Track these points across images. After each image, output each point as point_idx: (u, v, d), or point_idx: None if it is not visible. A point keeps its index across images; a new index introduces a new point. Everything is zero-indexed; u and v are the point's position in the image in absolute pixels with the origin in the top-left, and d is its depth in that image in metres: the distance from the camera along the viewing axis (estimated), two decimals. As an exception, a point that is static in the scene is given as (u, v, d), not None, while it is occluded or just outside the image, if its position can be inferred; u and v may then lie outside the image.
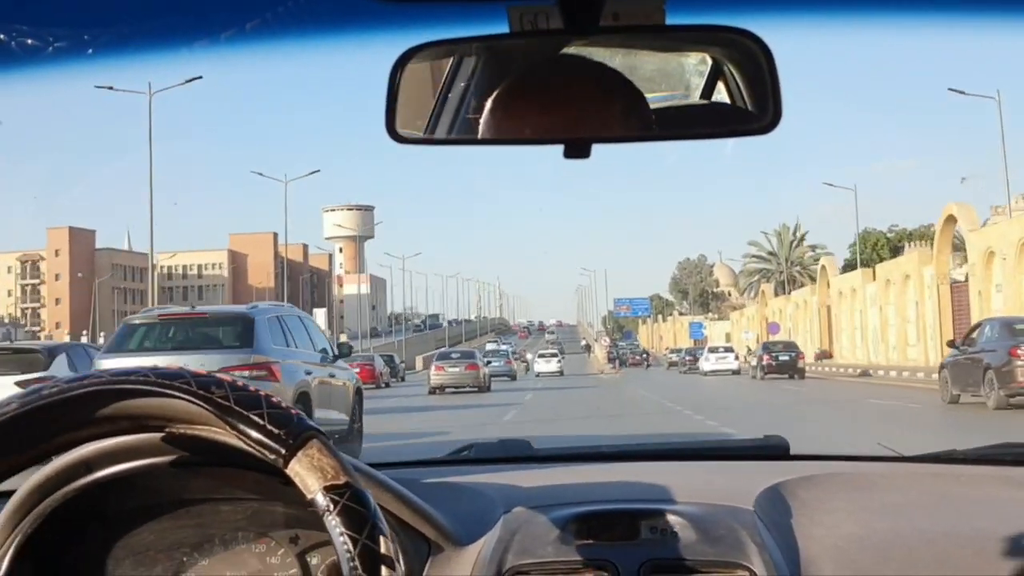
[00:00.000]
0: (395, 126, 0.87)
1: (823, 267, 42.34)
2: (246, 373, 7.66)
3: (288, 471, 0.73)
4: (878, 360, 33.33)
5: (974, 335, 14.54)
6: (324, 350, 9.89)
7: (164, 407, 0.76)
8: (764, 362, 30.13)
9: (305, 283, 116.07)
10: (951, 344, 15.53)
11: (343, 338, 59.58)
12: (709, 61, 0.93)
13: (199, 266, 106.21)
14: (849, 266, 46.72)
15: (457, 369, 26.60)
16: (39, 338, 62.57)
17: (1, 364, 10.50)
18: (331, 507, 0.70)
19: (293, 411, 0.75)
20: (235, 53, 0.92)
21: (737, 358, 38.07)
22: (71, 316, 79.91)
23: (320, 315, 72.14)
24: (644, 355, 58.02)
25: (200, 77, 28.37)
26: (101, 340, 34.48)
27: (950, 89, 29.47)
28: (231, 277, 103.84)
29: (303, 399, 8.53)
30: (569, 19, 0.82)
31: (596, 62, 0.87)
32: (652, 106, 0.89)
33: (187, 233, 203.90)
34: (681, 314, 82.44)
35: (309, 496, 0.72)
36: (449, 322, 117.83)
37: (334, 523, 0.70)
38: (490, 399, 22.31)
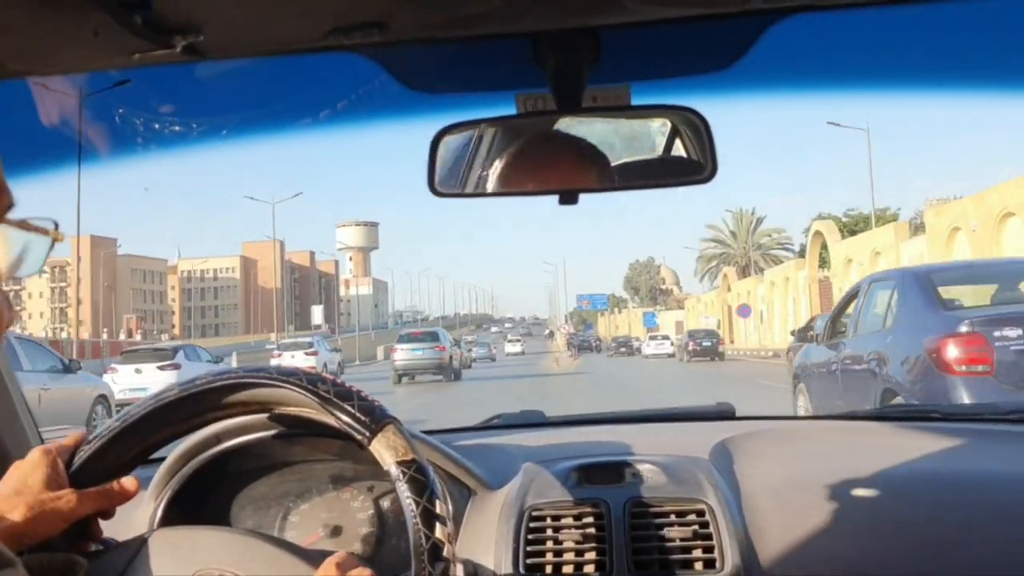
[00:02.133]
0: (434, 184, 1.10)
1: (816, 233, 35.08)
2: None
3: (371, 448, 0.92)
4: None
5: (847, 314, 7.11)
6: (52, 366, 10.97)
7: (283, 397, 0.97)
8: (689, 347, 33.68)
9: (313, 284, 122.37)
10: (801, 336, 8.37)
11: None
12: (668, 125, 1.16)
13: (215, 270, 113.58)
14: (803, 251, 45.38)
15: (420, 352, 22.15)
16: (65, 333, 69.80)
17: (146, 358, 16.83)
18: (401, 477, 0.89)
19: (376, 402, 0.94)
20: (315, 130, 1.25)
21: (673, 344, 40.97)
22: (92, 315, 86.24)
23: (317, 311, 77.18)
24: (597, 342, 62.54)
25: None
26: (122, 336, 38.75)
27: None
28: (243, 279, 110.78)
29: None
30: (560, 102, 1.05)
31: (580, 135, 1.11)
32: (622, 162, 1.14)
33: (208, 242, 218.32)
34: (635, 307, 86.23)
35: (385, 467, 0.91)
36: (436, 318, 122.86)
37: (403, 488, 0.89)
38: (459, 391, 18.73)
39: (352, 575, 0.87)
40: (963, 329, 5.32)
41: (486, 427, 1.84)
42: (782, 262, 48.76)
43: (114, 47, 0.88)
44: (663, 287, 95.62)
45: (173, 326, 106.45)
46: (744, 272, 56.47)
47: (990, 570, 1.17)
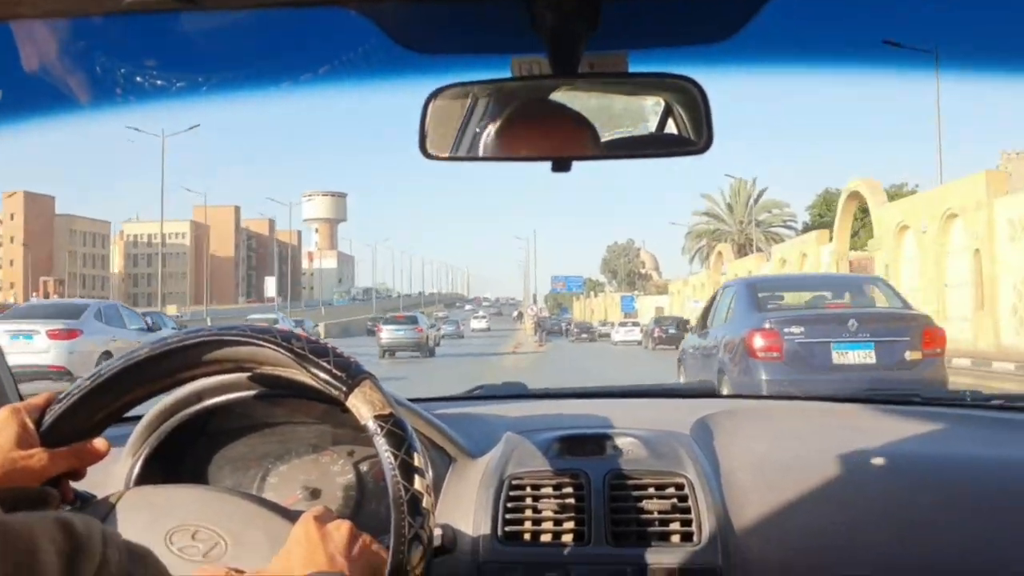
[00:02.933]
0: (426, 147, 1.09)
1: (852, 195, 27.57)
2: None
3: (347, 403, 0.91)
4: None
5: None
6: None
7: (256, 354, 0.96)
8: (655, 335, 32.57)
9: (272, 256, 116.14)
10: (681, 327, 10.48)
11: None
12: (662, 103, 1.16)
13: (163, 235, 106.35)
14: (807, 230, 41.33)
15: (402, 333, 26.37)
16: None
17: (48, 315, 12.87)
18: (379, 431, 0.89)
19: (352, 359, 0.93)
20: (303, 89, 1.19)
21: (642, 331, 39.18)
22: (24, 277, 79.83)
23: (271, 283, 72.83)
24: (568, 327, 59.89)
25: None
26: (34, 299, 35.10)
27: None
28: (193, 246, 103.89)
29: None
30: (556, 67, 1.04)
31: (576, 101, 1.10)
32: (617, 132, 1.14)
33: (154, 204, 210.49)
34: (613, 291, 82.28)
35: (363, 422, 0.90)
36: (401, 295, 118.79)
37: (381, 442, 0.88)
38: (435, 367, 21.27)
39: (331, 527, 0.87)
40: (765, 326, 7.35)
41: (468, 397, 1.87)
42: (783, 240, 43.05)
43: None
44: (642, 271, 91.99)
45: (107, 296, 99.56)
46: (741, 251, 49.78)
47: (965, 550, 1.20)
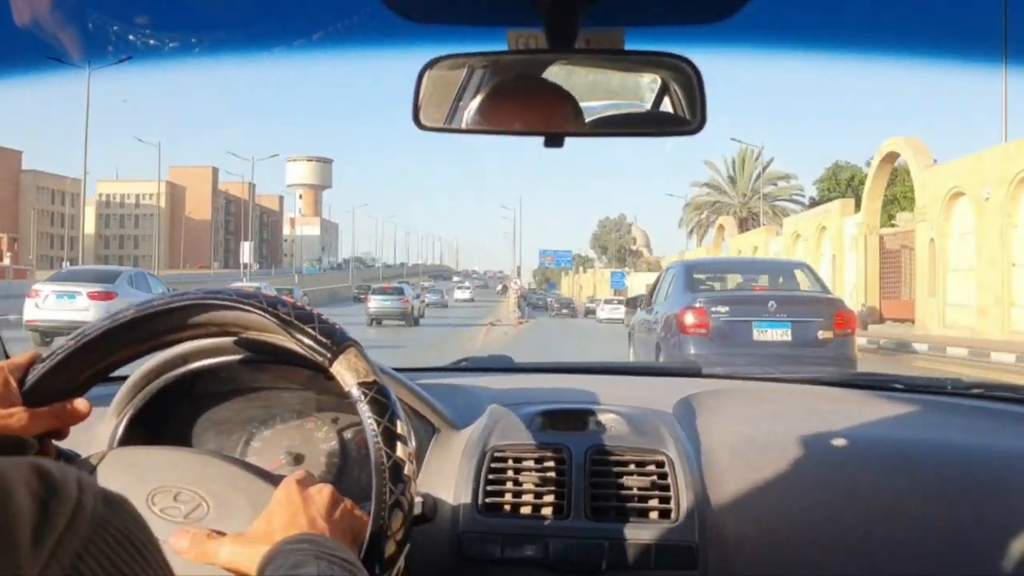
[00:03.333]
0: (419, 117, 1.07)
1: (887, 157, 23.41)
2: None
3: (332, 370, 0.90)
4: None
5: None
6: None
7: (242, 319, 0.95)
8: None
9: (253, 220, 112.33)
10: (631, 304, 11.43)
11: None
12: (658, 81, 1.15)
13: (137, 195, 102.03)
14: (815, 204, 37.42)
15: (389, 303, 28.22)
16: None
17: (89, 279, 14.77)
18: (362, 397, 0.88)
19: (337, 325, 0.92)
20: (297, 54, 1.19)
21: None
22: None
23: (246, 247, 70.93)
24: (551, 301, 58.77)
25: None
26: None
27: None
28: (168, 208, 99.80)
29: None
30: (552, 42, 1.04)
31: (571, 77, 1.09)
32: (611, 112, 1.14)
33: (128, 164, 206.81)
34: (602, 267, 79.21)
35: (346, 389, 0.90)
36: (381, 266, 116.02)
37: (364, 409, 0.88)
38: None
39: (312, 491, 0.87)
40: (696, 304, 8.04)
41: (454, 368, 1.87)
42: (788, 215, 39.46)
43: None
44: (633, 247, 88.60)
45: (75, 259, 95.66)
46: (743, 226, 45.35)
47: (941, 534, 1.22)
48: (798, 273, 9.28)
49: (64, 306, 13.54)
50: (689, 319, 7.91)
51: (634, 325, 10.11)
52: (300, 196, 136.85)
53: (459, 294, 65.76)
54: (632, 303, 10.95)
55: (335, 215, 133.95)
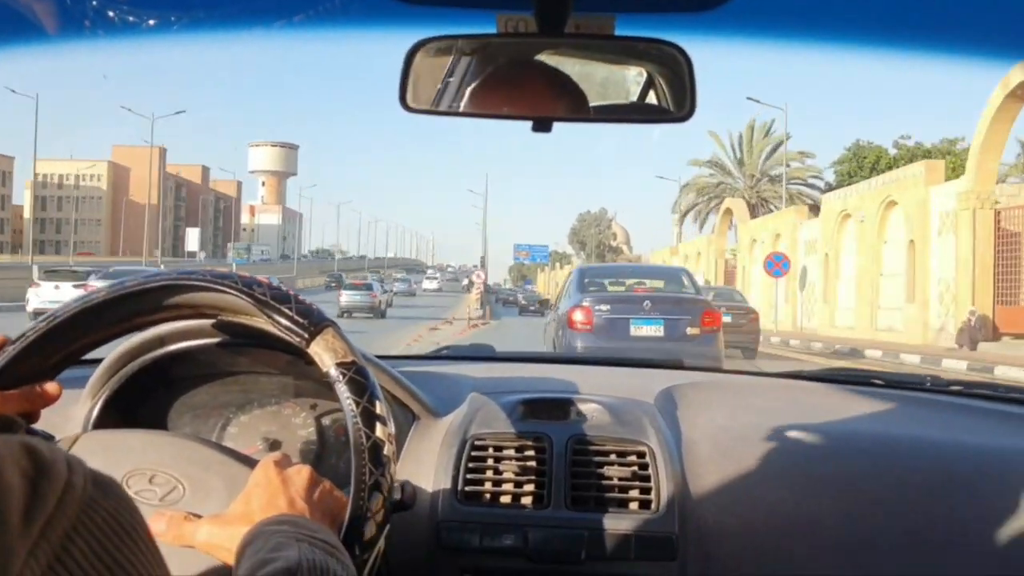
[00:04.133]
0: (406, 99, 1.07)
1: (1010, 97, 16.07)
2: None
3: (309, 351, 0.89)
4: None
5: None
6: None
7: (217, 300, 0.94)
8: None
9: (207, 205, 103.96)
10: (547, 305, 12.61)
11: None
12: (644, 74, 1.14)
13: (76, 176, 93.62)
14: (830, 189, 31.70)
15: (359, 297, 30.27)
16: None
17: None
18: (341, 378, 0.87)
19: (314, 306, 0.91)
20: (283, 36, 1.17)
21: None
22: None
23: (193, 234, 65.04)
24: (521, 297, 56.50)
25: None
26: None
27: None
28: (111, 190, 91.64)
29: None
30: (542, 26, 1.03)
31: (561, 62, 1.09)
32: (600, 96, 1.13)
33: (69, 142, 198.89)
34: (581, 263, 73.42)
35: (324, 370, 0.88)
36: (338, 259, 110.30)
37: (343, 390, 0.87)
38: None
39: (291, 471, 0.87)
40: (583, 303, 9.24)
41: (435, 356, 1.90)
42: (795, 203, 32.80)
43: None
44: (613, 243, 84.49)
45: (6, 241, 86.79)
46: (753, 212, 37.71)
47: (916, 526, 1.23)
48: (682, 277, 10.65)
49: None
50: (577, 316, 9.11)
51: (547, 323, 11.51)
52: (263, 183, 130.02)
53: (427, 284, 71.73)
54: (546, 304, 12.47)
55: (313, 205, 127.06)
